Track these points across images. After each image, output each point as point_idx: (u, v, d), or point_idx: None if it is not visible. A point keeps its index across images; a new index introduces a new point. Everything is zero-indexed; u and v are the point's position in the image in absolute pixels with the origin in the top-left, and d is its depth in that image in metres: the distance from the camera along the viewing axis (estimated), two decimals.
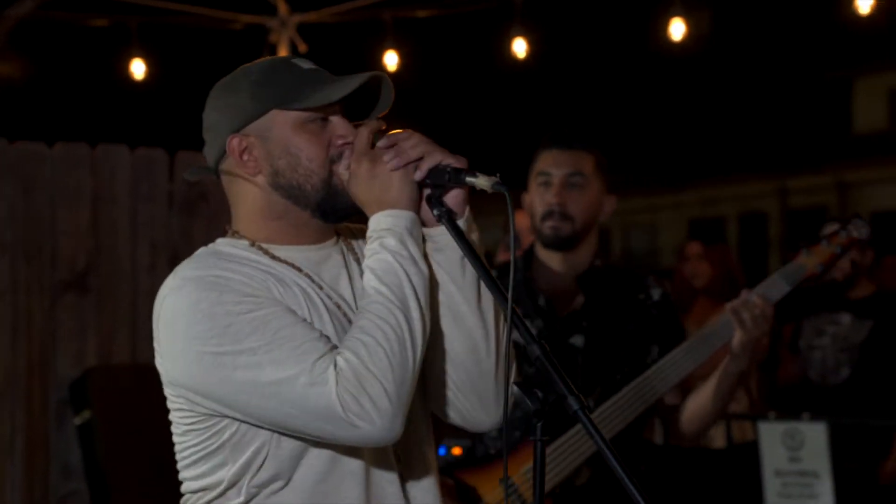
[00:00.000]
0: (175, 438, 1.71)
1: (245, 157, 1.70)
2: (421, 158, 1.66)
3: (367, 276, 1.64)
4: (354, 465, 1.67)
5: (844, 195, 20.04)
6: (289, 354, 1.57)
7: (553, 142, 2.74)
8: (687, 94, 19.74)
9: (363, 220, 1.75)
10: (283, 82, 1.69)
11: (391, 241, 1.64)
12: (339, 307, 1.70)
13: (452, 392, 1.73)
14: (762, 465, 3.88)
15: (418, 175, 1.66)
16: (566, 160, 2.71)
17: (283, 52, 7.58)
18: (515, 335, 1.61)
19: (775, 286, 2.62)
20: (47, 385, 4.12)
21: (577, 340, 2.69)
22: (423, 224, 1.69)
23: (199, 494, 1.70)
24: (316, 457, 1.65)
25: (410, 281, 1.62)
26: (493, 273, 1.67)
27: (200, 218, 4.40)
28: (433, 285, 1.68)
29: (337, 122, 1.71)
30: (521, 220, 3.38)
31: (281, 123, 1.69)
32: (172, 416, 1.71)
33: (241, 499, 1.66)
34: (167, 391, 1.70)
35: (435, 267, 1.69)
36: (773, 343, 5.40)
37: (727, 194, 21.60)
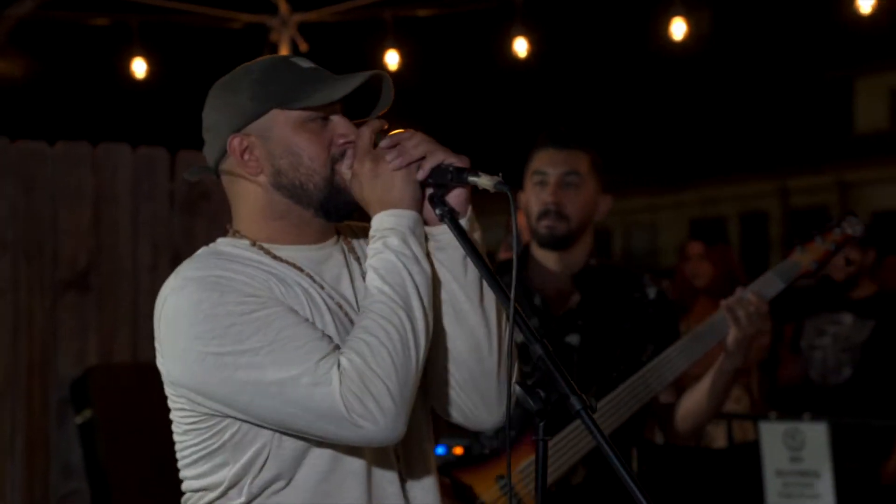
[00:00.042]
0: (176, 438, 1.71)
1: (246, 157, 1.70)
2: (423, 158, 1.66)
3: (370, 275, 1.64)
4: (356, 464, 1.66)
5: (845, 195, 20.04)
6: (292, 354, 1.57)
7: (549, 141, 2.74)
8: (688, 94, 19.74)
9: (364, 217, 1.75)
10: (283, 81, 1.69)
11: (394, 241, 1.64)
12: (340, 307, 1.70)
13: (455, 391, 1.73)
14: (763, 465, 3.88)
15: (421, 174, 1.66)
16: (562, 159, 2.71)
17: (283, 51, 7.58)
18: (517, 334, 1.61)
19: (770, 283, 2.63)
20: (48, 384, 4.12)
21: (573, 339, 2.69)
22: (426, 223, 1.69)
23: (200, 494, 1.70)
24: (317, 457, 1.65)
25: (413, 280, 1.62)
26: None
27: (202, 217, 4.40)
28: (436, 284, 1.68)
29: (338, 121, 1.71)
30: (521, 220, 3.38)
31: (282, 123, 1.69)
32: (173, 416, 1.70)
33: (243, 499, 1.66)
34: (168, 391, 1.69)
35: (437, 266, 1.69)
36: (774, 343, 5.41)
37: (728, 194, 21.61)
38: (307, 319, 1.63)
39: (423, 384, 1.68)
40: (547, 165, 2.71)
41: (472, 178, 1.64)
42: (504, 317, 1.71)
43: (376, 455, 1.68)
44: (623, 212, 23.14)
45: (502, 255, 4.63)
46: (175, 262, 3.33)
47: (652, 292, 2.76)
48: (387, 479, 1.69)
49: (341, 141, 1.70)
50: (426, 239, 1.69)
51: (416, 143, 1.66)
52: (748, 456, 4.35)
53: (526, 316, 2.66)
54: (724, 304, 2.59)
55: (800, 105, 20.26)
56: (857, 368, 4.67)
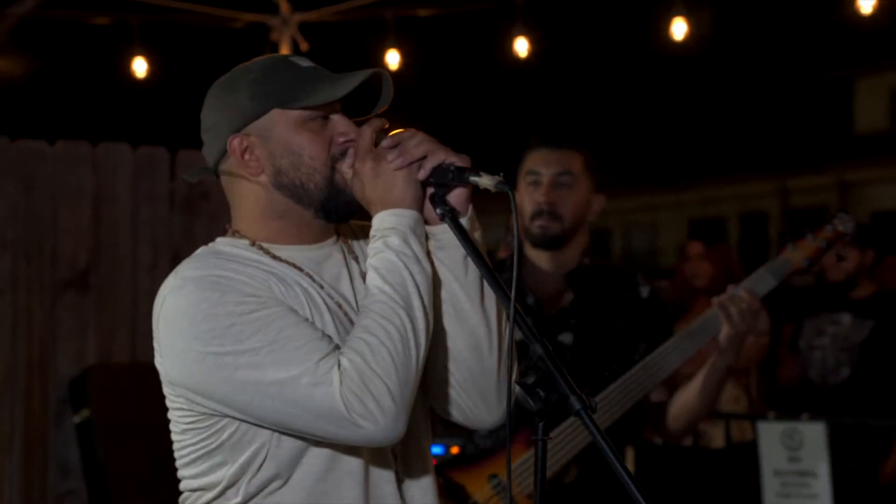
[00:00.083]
0: (174, 437, 1.71)
1: (247, 157, 1.70)
2: (424, 157, 1.66)
3: (371, 274, 1.64)
4: (353, 464, 1.66)
5: (845, 195, 20.04)
6: (292, 354, 1.57)
7: (542, 141, 2.75)
8: (688, 94, 19.74)
9: (364, 217, 1.75)
10: (283, 81, 1.69)
11: (395, 240, 1.64)
12: (339, 307, 1.70)
13: (455, 390, 1.73)
14: (761, 464, 3.88)
15: (422, 174, 1.66)
16: (555, 159, 2.71)
17: (284, 50, 7.59)
18: (516, 333, 1.61)
19: (762, 281, 2.64)
20: (47, 383, 4.12)
21: (566, 338, 2.70)
22: (427, 222, 1.69)
23: (198, 493, 1.70)
24: (315, 456, 1.65)
25: (414, 280, 1.62)
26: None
27: (202, 217, 4.40)
28: (436, 284, 1.68)
29: (338, 119, 1.71)
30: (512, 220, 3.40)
31: (282, 122, 1.69)
32: (171, 415, 1.70)
33: (239, 498, 1.66)
34: (166, 390, 1.69)
35: (438, 265, 1.69)
36: (772, 343, 5.41)
37: (728, 194, 21.61)
38: (307, 319, 1.63)
39: (423, 383, 1.68)
40: (540, 166, 2.72)
41: (473, 178, 1.64)
42: (504, 316, 1.71)
43: (373, 455, 1.68)
44: (623, 211, 23.15)
45: (501, 254, 4.63)
46: (175, 261, 3.34)
47: (645, 291, 2.77)
48: (384, 479, 1.69)
49: (342, 140, 1.70)
50: (427, 238, 1.69)
51: (417, 143, 1.66)
52: (746, 456, 4.36)
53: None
54: (716, 302, 2.60)
55: (800, 105, 20.26)
56: (855, 368, 4.67)
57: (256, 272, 1.65)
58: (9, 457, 4.05)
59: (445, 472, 2.66)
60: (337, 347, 1.61)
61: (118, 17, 7.72)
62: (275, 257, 1.70)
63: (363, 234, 1.82)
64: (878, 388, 4.65)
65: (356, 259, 1.78)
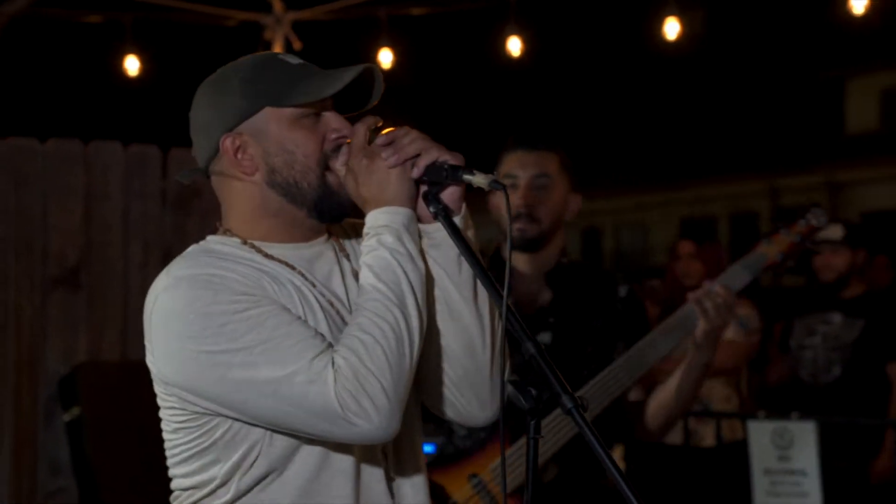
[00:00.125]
0: (165, 436, 1.71)
1: (239, 156, 1.69)
2: (418, 155, 1.66)
3: (365, 272, 1.64)
4: (345, 462, 1.66)
5: (836, 195, 20.09)
6: (286, 353, 1.57)
7: (518, 143, 2.76)
8: (680, 94, 19.78)
9: (356, 215, 1.75)
10: (274, 79, 1.69)
11: (388, 238, 1.64)
12: (332, 305, 1.70)
13: (448, 388, 1.73)
14: (751, 463, 3.89)
15: (416, 172, 1.66)
16: (531, 161, 2.72)
17: (277, 49, 7.57)
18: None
19: (737, 276, 2.66)
20: (36, 381, 4.11)
21: (545, 337, 2.70)
22: (420, 221, 1.69)
23: (190, 492, 1.70)
24: (308, 454, 1.65)
25: (408, 278, 1.62)
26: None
27: (193, 215, 4.39)
28: (429, 282, 1.68)
29: (330, 116, 1.71)
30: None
31: (275, 120, 1.68)
32: (163, 414, 1.70)
33: (231, 496, 1.66)
34: (158, 389, 1.69)
35: (431, 263, 1.69)
36: (763, 342, 5.42)
37: (718, 193, 21.65)
38: (300, 318, 1.63)
39: (416, 381, 1.68)
40: (517, 168, 2.72)
41: (466, 176, 1.64)
42: (497, 314, 1.71)
43: (364, 453, 1.68)
44: (613, 211, 23.18)
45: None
46: (166, 259, 3.33)
47: (623, 290, 2.79)
48: (375, 478, 1.69)
49: (334, 136, 1.70)
50: (420, 236, 1.69)
51: (411, 141, 1.66)
52: (736, 455, 4.37)
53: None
54: (691, 297, 2.61)
55: (791, 105, 20.31)
56: (846, 367, 4.68)
57: (249, 270, 1.65)
58: None
59: None
60: (330, 346, 1.60)
61: (110, 15, 7.71)
62: (267, 256, 1.70)
63: (354, 232, 1.82)
64: (868, 387, 4.67)
65: (348, 257, 1.78)
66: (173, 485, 1.73)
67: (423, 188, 1.68)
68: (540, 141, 2.74)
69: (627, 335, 2.72)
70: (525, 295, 2.74)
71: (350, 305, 1.71)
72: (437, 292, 1.69)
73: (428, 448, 2.93)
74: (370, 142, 1.68)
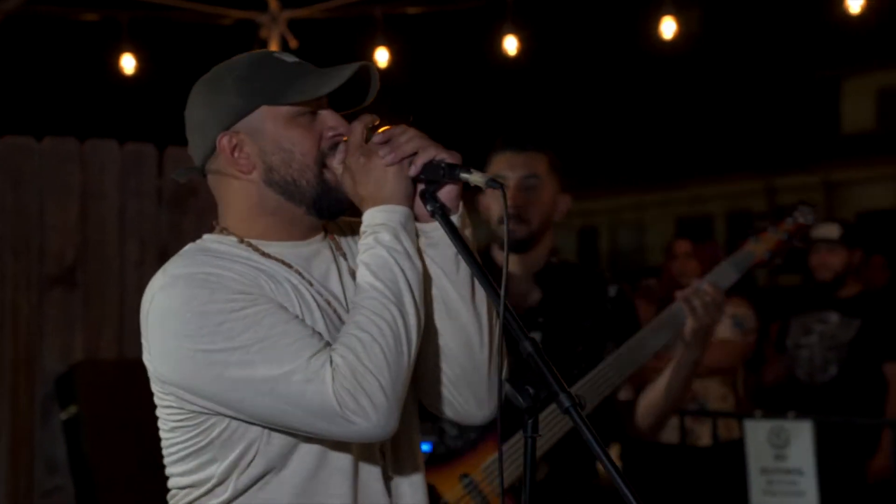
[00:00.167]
0: (162, 435, 1.71)
1: (236, 155, 1.69)
2: (415, 153, 1.66)
3: (362, 270, 1.64)
4: (343, 461, 1.66)
5: (831, 195, 20.13)
6: (283, 351, 1.57)
7: (506, 144, 2.76)
8: (676, 93, 19.79)
9: (353, 213, 1.75)
10: (270, 77, 1.68)
11: (385, 236, 1.63)
12: (329, 304, 1.70)
13: (446, 387, 1.73)
14: (748, 462, 3.90)
15: (413, 170, 1.66)
16: (520, 163, 2.72)
17: (273, 48, 7.57)
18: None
19: (725, 274, 2.67)
20: (33, 380, 4.11)
21: (534, 337, 2.70)
22: (417, 219, 1.69)
23: (187, 491, 1.70)
24: (305, 453, 1.65)
25: (405, 276, 1.62)
26: None
27: (190, 213, 4.39)
28: (427, 281, 1.68)
29: (326, 114, 1.71)
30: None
31: (271, 119, 1.68)
32: (160, 413, 1.70)
33: (228, 495, 1.66)
34: (155, 388, 1.69)
35: (428, 262, 1.69)
36: (759, 342, 5.43)
37: (715, 192, 21.67)
38: (297, 316, 1.63)
39: (414, 379, 1.68)
40: (506, 169, 2.73)
41: (464, 175, 1.64)
42: (494, 312, 1.71)
43: (362, 452, 1.68)
44: (610, 210, 23.19)
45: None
46: (162, 258, 3.32)
47: (612, 290, 2.80)
48: (372, 476, 1.69)
49: (331, 134, 1.70)
50: (417, 235, 1.69)
51: (408, 139, 1.66)
52: (733, 454, 4.37)
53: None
54: (679, 295, 2.62)
55: (787, 104, 20.33)
56: (842, 367, 4.69)
57: (245, 269, 1.65)
58: None
59: None
60: (328, 344, 1.60)
61: (107, 13, 7.70)
62: (263, 254, 1.70)
63: (350, 230, 1.82)
64: (864, 386, 4.68)
65: (344, 256, 1.77)
66: (170, 483, 1.73)
67: (421, 187, 1.68)
68: (528, 142, 2.75)
69: (617, 335, 2.73)
70: (514, 295, 2.75)
71: (347, 304, 1.71)
72: (434, 291, 1.69)
73: (424, 447, 2.94)
74: (367, 140, 1.68)
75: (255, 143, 1.69)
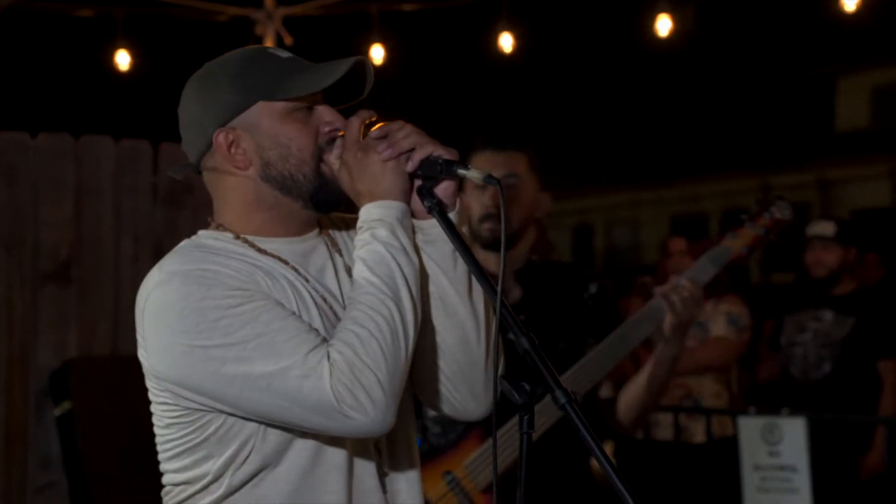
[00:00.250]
0: (157, 431, 1.70)
1: (233, 151, 1.69)
2: (413, 149, 1.66)
3: (359, 266, 1.64)
4: (338, 458, 1.66)
5: (826, 193, 20.16)
6: (280, 347, 1.56)
7: (486, 144, 2.77)
8: (672, 91, 19.81)
9: (349, 209, 1.75)
10: (265, 73, 1.68)
11: (382, 232, 1.63)
12: (325, 300, 1.70)
13: (443, 383, 1.73)
14: (741, 459, 3.91)
15: (410, 166, 1.66)
16: (500, 162, 2.73)
17: (269, 44, 7.56)
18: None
19: (703, 269, 2.70)
20: (27, 375, 4.10)
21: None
22: (414, 216, 1.69)
23: (182, 487, 1.70)
24: (301, 450, 1.65)
25: (402, 271, 1.62)
26: None
27: (185, 210, 4.39)
28: (424, 278, 1.68)
29: (323, 110, 1.71)
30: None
31: (268, 115, 1.68)
32: (155, 409, 1.69)
33: (223, 492, 1.66)
34: (150, 384, 1.68)
35: (426, 259, 1.69)
36: (753, 340, 5.43)
37: (710, 190, 21.70)
38: (294, 312, 1.63)
39: (411, 375, 1.68)
40: (486, 168, 2.73)
41: (461, 171, 1.64)
42: (491, 308, 1.71)
43: (357, 448, 1.68)
44: (605, 208, 23.20)
45: None
46: (157, 254, 3.32)
47: (593, 287, 2.81)
48: (367, 473, 1.69)
49: (327, 129, 1.70)
50: (414, 232, 1.69)
51: (405, 135, 1.66)
52: (727, 451, 4.38)
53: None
54: (658, 291, 2.64)
55: (782, 102, 20.36)
56: (836, 364, 4.70)
57: (242, 265, 1.65)
58: None
59: None
60: (325, 340, 1.60)
61: (102, 9, 7.68)
62: (260, 250, 1.70)
63: (345, 225, 1.82)
64: (858, 383, 4.69)
65: (340, 252, 1.77)
66: (165, 480, 1.73)
67: (418, 183, 1.68)
68: (508, 141, 2.76)
69: (598, 332, 2.74)
70: None
71: (343, 301, 1.71)
72: (431, 287, 1.69)
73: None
74: (364, 135, 1.68)
75: (252, 138, 1.69)
